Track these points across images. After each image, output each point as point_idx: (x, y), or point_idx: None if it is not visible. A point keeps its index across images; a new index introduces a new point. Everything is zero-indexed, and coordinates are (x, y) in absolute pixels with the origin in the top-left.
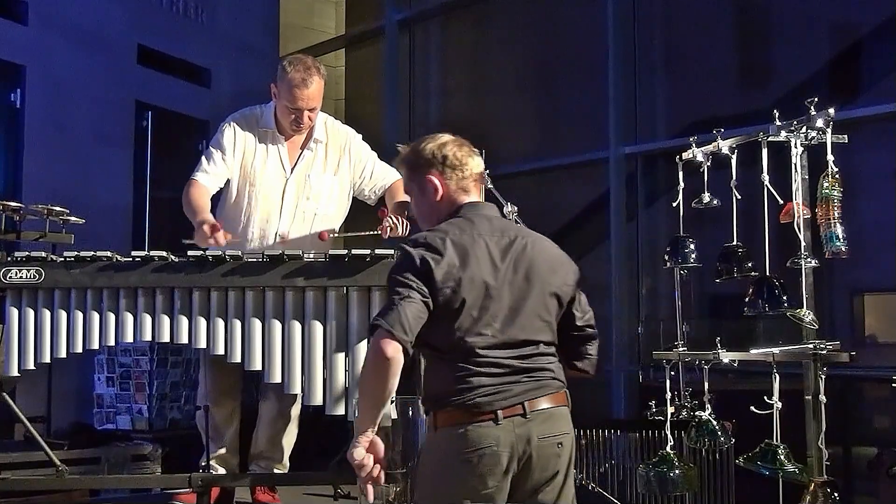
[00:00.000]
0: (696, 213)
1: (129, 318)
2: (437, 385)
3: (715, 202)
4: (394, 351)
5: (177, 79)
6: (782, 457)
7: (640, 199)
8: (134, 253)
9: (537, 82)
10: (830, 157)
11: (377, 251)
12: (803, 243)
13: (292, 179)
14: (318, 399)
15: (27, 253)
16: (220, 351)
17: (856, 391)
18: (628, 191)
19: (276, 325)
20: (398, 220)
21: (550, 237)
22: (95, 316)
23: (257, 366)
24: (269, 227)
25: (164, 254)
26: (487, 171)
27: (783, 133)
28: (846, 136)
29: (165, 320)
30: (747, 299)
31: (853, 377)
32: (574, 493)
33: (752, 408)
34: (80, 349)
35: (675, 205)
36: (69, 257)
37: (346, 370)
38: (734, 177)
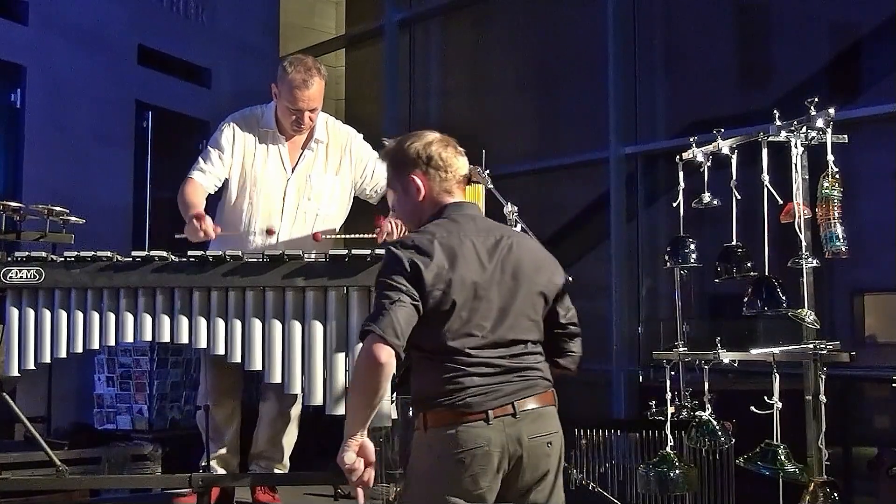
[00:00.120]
0: (696, 213)
1: (130, 318)
2: (426, 385)
3: (715, 202)
4: (387, 356)
5: (177, 79)
6: (782, 457)
7: (641, 199)
8: (134, 253)
9: (537, 82)
10: (830, 157)
11: (377, 252)
12: (803, 243)
13: (293, 180)
14: (318, 399)
15: (27, 253)
16: (221, 351)
17: (856, 391)
18: (628, 191)
19: (277, 325)
20: (397, 225)
21: (550, 237)
22: (96, 316)
23: (257, 366)
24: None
25: (165, 254)
26: (487, 172)
27: (783, 133)
28: (846, 136)
29: (166, 320)
30: (747, 299)
31: (853, 377)
32: (563, 496)
33: (753, 408)
34: (80, 349)
35: (675, 205)
36: (69, 257)
37: (346, 370)
38: (734, 177)
